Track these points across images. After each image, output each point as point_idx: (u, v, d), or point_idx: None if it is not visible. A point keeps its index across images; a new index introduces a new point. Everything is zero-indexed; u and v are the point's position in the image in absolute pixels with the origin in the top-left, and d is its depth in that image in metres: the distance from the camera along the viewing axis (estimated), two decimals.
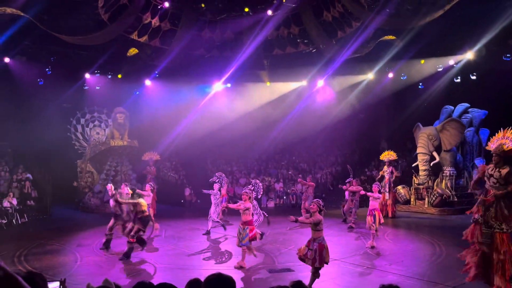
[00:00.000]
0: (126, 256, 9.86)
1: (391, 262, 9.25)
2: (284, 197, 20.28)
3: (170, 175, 22.01)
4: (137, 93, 23.09)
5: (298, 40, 20.04)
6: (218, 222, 12.89)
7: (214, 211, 12.80)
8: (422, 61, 18.93)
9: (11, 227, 14.92)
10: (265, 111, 22.30)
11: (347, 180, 14.12)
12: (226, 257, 10.21)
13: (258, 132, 22.20)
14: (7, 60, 17.88)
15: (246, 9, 17.57)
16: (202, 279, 2.43)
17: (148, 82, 21.94)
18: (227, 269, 9.09)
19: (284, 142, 23.41)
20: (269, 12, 17.52)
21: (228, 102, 22.19)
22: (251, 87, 22.37)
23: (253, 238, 8.96)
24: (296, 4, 17.12)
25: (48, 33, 14.88)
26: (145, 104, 22.24)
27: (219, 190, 13.18)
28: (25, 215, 15.86)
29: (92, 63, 19.42)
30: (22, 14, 13.73)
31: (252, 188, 10.76)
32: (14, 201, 15.81)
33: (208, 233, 12.74)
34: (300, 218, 7.45)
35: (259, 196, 11.65)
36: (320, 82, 21.77)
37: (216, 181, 13.14)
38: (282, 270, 8.82)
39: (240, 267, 8.81)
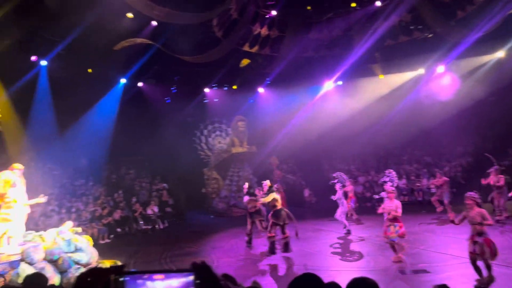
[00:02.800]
0: (271, 251, 10.38)
1: None
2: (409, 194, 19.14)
3: (288, 177, 22.48)
4: (252, 101, 24.17)
5: (412, 28, 18.86)
6: (345, 223, 12.81)
7: (341, 212, 12.80)
8: None
9: (155, 232, 16.82)
10: (380, 105, 21.37)
11: (490, 170, 12.84)
12: (356, 257, 10.08)
13: (374, 128, 21.39)
14: (140, 84, 20.34)
15: (353, 4, 17.15)
16: (335, 281, 2.45)
17: (261, 90, 22.84)
18: (357, 270, 9.00)
19: (404, 135, 22.13)
20: (378, 3, 16.85)
21: (341, 100, 21.83)
22: (363, 82, 21.69)
23: (402, 235, 8.87)
24: None
25: (172, 56, 16.53)
26: (259, 110, 23.10)
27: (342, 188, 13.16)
28: (165, 221, 17.73)
29: (210, 78, 20.99)
30: (151, 43, 15.47)
31: (391, 184, 10.82)
32: (156, 209, 17.79)
33: (348, 232, 12.68)
34: (456, 219, 7.32)
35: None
36: (440, 68, 20.13)
37: (336, 181, 13.13)
38: (418, 272, 8.40)
39: (399, 261, 8.87)
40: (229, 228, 15.75)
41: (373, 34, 17.80)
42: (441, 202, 14.20)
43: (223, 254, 11.76)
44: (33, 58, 15.92)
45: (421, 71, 21.02)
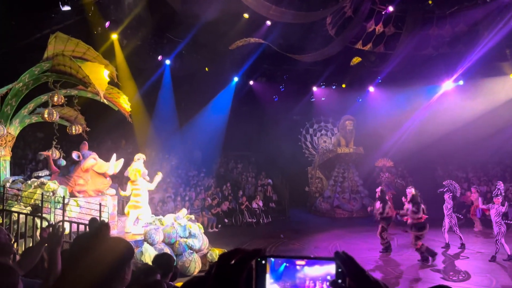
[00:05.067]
0: (424, 259, 10.11)
1: None
2: None
3: (398, 182, 21.34)
4: (360, 100, 23.44)
5: None
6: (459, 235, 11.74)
7: (452, 225, 11.78)
8: None
9: (259, 225, 17.31)
10: (509, 108, 19.07)
11: None
12: (463, 276, 9.14)
13: (503, 134, 19.17)
14: (251, 82, 21.12)
15: None
16: None
17: (371, 89, 22.02)
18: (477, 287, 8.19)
19: None
20: None
21: (461, 101, 19.94)
22: (489, 82, 19.53)
23: None
24: None
25: (282, 55, 16.83)
26: (368, 110, 22.31)
27: (453, 198, 11.99)
28: (269, 216, 18.16)
29: (318, 76, 20.89)
30: (263, 42, 15.93)
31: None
32: (261, 203, 18.31)
33: (447, 246, 11.76)
34: None
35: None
36: None
37: (445, 190, 12.05)
38: None
39: None
40: (332, 229, 15.53)
41: (504, 29, 15.92)
42: None
43: (328, 255, 11.62)
44: (159, 57, 17.52)
45: None
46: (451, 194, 11.96)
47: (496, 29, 15.96)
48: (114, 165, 10.64)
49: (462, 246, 11.56)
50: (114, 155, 10.79)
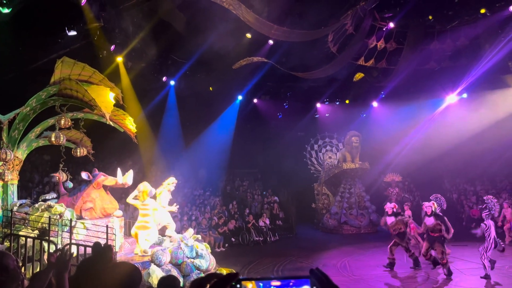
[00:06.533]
0: (447, 274, 10.04)
1: None
2: None
3: (405, 196, 21.18)
4: (364, 115, 23.49)
5: None
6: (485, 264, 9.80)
7: (484, 249, 9.76)
8: None
9: (266, 244, 17.18)
10: None
11: None
12: None
13: (507, 145, 19.07)
14: (255, 100, 21.29)
15: (482, 10, 15.64)
16: None
17: (375, 104, 22.10)
18: None
19: None
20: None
21: (466, 114, 19.92)
22: (493, 95, 19.54)
23: None
24: None
25: (285, 73, 16.99)
26: (372, 125, 22.35)
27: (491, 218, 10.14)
28: (276, 234, 18.02)
29: (322, 93, 21.04)
30: (266, 61, 16.11)
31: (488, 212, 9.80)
32: (267, 221, 18.21)
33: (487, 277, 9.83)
34: None
35: (443, 208, 10.93)
36: None
37: (484, 207, 10.36)
38: None
39: None
40: (340, 246, 15.39)
41: (506, 42, 16.01)
42: None
43: (336, 272, 11.50)
44: (164, 78, 17.76)
45: None
46: (489, 212, 10.08)
47: (498, 42, 16.06)
48: (123, 177, 10.81)
49: (486, 276, 9.71)
50: (119, 169, 10.92)
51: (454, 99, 20.75)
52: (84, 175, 10.73)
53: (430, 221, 10.29)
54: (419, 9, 15.85)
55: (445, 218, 10.26)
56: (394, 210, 11.56)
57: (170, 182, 11.30)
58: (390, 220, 11.39)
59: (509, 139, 18.71)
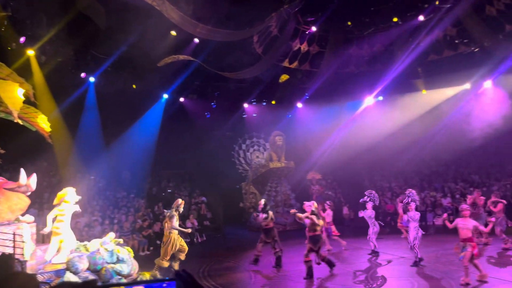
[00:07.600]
0: (308, 275, 10.13)
1: None
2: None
3: (327, 194, 22.13)
4: (289, 116, 24.16)
5: (457, 41, 18.32)
6: (374, 243, 12.39)
7: (372, 232, 12.43)
8: None
9: (193, 245, 16.90)
10: (424, 121, 20.75)
11: None
12: (380, 282, 9.58)
13: (417, 144, 20.76)
14: (182, 99, 20.90)
15: (395, 19, 16.90)
16: None
17: (299, 105, 22.83)
18: None
19: (449, 152, 21.28)
20: (421, 18, 16.52)
21: (382, 115, 21.37)
22: (405, 98, 21.19)
23: (472, 257, 8.43)
24: (452, 4, 15.75)
25: (213, 73, 16.89)
26: (297, 125, 23.06)
27: (374, 208, 12.81)
28: (203, 235, 17.83)
29: (249, 93, 21.27)
30: (192, 59, 15.89)
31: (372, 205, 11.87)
32: (195, 222, 17.96)
33: (374, 253, 12.31)
34: None
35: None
36: (487, 83, 19.36)
37: (367, 200, 12.84)
38: None
39: (466, 284, 8.35)
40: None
41: (416, 49, 17.45)
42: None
43: (261, 269, 11.67)
44: (83, 75, 16.75)
45: (467, 86, 20.28)
46: (373, 203, 12.74)
47: (409, 49, 17.43)
48: (29, 180, 9.81)
49: (374, 253, 12.19)
50: (22, 170, 9.93)
51: (372, 101, 22.13)
52: None
53: (261, 216, 11.60)
54: (339, 15, 16.66)
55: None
56: (313, 209, 11.90)
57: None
58: (262, 216, 11.93)
59: (419, 139, 20.38)
